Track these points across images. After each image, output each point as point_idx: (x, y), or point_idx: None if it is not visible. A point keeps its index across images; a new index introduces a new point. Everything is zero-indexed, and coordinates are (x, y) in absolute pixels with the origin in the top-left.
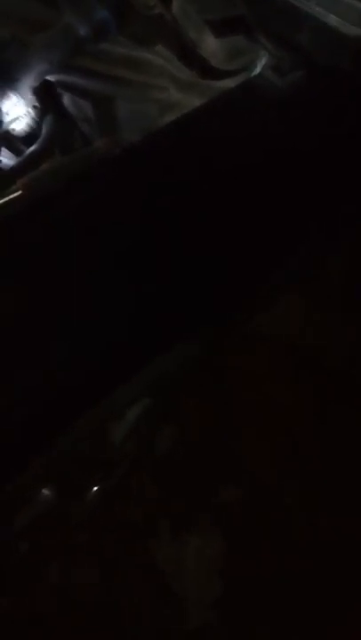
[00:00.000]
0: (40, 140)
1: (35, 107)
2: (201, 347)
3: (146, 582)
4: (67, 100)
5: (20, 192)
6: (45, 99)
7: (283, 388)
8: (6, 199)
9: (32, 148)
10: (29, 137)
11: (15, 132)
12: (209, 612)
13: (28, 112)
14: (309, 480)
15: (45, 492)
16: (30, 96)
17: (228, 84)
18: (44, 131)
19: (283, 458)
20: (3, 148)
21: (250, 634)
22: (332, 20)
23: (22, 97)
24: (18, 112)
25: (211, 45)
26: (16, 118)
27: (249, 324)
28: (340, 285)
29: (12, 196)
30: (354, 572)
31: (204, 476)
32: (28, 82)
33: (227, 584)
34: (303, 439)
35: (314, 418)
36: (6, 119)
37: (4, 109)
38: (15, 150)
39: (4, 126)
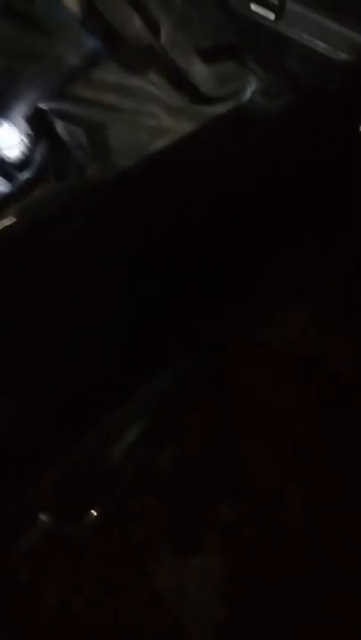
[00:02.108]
0: (34, 167)
1: (28, 134)
2: (202, 361)
3: (149, 607)
4: (60, 127)
5: (14, 219)
6: (39, 126)
7: (286, 402)
8: (1, 226)
9: (26, 175)
10: (23, 164)
11: (9, 160)
12: (213, 636)
13: (21, 140)
14: (315, 494)
15: (43, 517)
16: (24, 124)
17: (219, 109)
18: (37, 158)
19: (289, 473)
20: None
21: None
22: (319, 45)
23: (16, 125)
24: (12, 140)
25: (201, 73)
26: (10, 146)
27: (250, 338)
28: (337, 297)
29: (6, 223)
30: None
31: (206, 495)
32: (22, 110)
33: (231, 606)
34: (309, 453)
35: (319, 431)
36: (0, 147)
37: None
38: (10, 177)
39: None
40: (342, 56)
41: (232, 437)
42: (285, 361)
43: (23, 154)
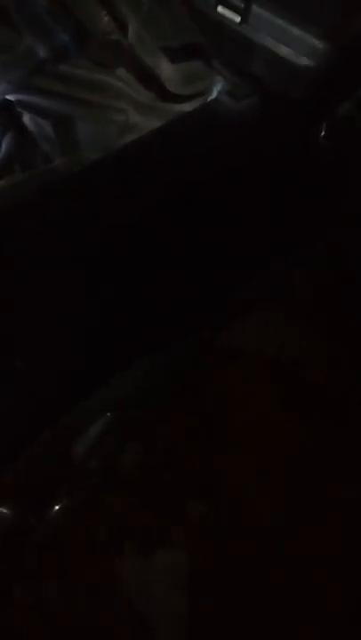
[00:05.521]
0: None
1: None
2: (180, 361)
3: (112, 603)
4: (27, 119)
5: None
6: (5, 117)
7: (261, 405)
8: None
9: None
10: None
11: None
12: (177, 632)
13: None
14: (285, 496)
15: (4, 510)
16: None
17: (186, 107)
18: (3, 148)
19: (260, 475)
20: None
21: None
22: (283, 50)
23: None
24: None
25: (166, 70)
26: None
27: (227, 338)
28: (310, 300)
29: None
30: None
31: (174, 492)
32: None
33: (196, 603)
34: (282, 455)
35: (293, 434)
36: None
37: None
38: None
39: None
40: (305, 61)
41: (205, 437)
42: (260, 364)
43: None
